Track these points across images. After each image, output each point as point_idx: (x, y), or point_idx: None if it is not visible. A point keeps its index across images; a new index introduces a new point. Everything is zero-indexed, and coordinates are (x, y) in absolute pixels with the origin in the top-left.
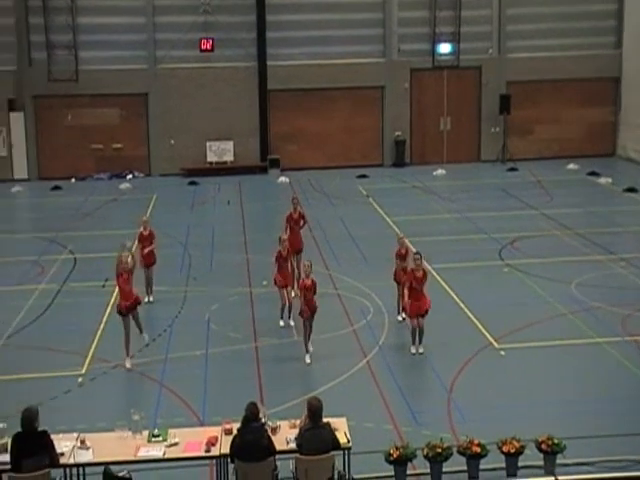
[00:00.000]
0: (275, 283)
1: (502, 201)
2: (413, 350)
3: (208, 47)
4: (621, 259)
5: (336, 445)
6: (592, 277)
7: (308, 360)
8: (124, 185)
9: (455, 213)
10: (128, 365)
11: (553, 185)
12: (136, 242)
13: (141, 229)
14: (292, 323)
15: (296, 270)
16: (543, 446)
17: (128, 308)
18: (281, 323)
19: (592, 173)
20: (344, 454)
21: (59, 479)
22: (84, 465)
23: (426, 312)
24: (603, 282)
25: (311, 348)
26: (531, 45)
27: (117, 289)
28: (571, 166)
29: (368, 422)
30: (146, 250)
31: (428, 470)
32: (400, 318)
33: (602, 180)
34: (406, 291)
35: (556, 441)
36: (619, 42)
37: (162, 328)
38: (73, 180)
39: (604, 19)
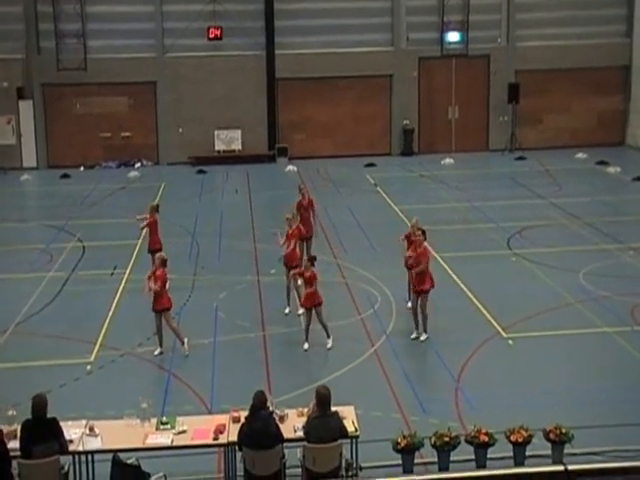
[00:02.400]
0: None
1: (510, 190)
2: (413, 335)
3: (216, 35)
4: (630, 248)
5: (344, 433)
6: (600, 266)
7: (306, 346)
8: (132, 173)
9: (463, 202)
10: (156, 352)
11: (562, 174)
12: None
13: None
14: (299, 312)
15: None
16: (551, 435)
17: (154, 308)
18: (286, 310)
19: (601, 162)
20: (352, 442)
21: (68, 466)
22: (93, 452)
23: (420, 292)
24: (611, 271)
25: (330, 343)
26: (540, 34)
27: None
28: (580, 155)
29: (376, 411)
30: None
31: (436, 459)
32: (409, 305)
33: (611, 169)
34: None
35: (564, 430)
36: (629, 30)
37: (170, 316)
38: (82, 168)
39: (614, 7)
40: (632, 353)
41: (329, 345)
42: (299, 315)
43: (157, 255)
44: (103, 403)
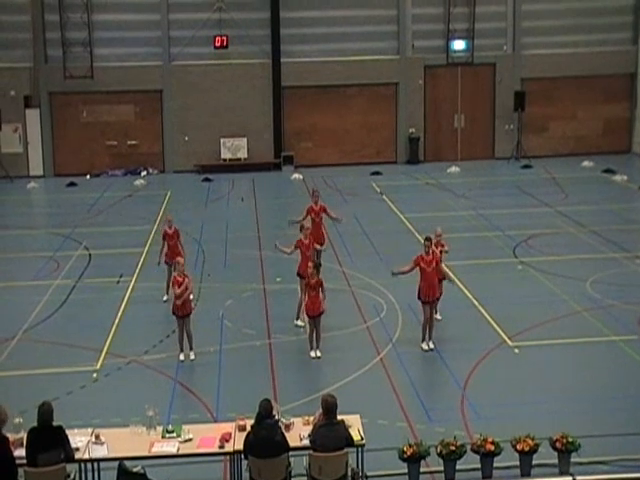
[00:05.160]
0: (298, 274)
1: (516, 198)
2: (424, 346)
3: (222, 44)
4: (637, 257)
5: (350, 442)
6: (607, 275)
7: (312, 354)
8: (138, 181)
9: (469, 210)
10: (182, 357)
11: (568, 182)
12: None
13: (165, 227)
14: (301, 323)
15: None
16: (558, 444)
17: (181, 312)
18: (298, 322)
19: (607, 170)
20: (358, 451)
21: (74, 474)
22: (99, 460)
23: (433, 301)
24: (618, 280)
25: (318, 353)
26: (546, 41)
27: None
28: (586, 163)
29: (382, 419)
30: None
31: (442, 468)
32: (439, 317)
33: (617, 177)
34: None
35: (571, 439)
36: (636, 38)
37: (176, 324)
38: (88, 176)
39: (620, 14)
40: (639, 362)
41: (319, 354)
42: (297, 326)
43: (180, 261)
44: (109, 411)
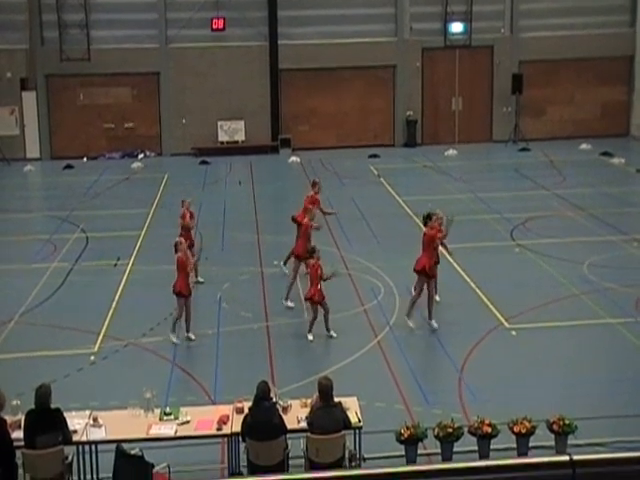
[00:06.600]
0: (297, 255)
1: (514, 181)
2: (411, 324)
3: (220, 26)
4: (634, 239)
5: (347, 424)
6: (605, 257)
7: (310, 337)
8: (136, 164)
9: (467, 193)
10: (174, 340)
11: (565, 165)
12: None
13: (184, 210)
14: (291, 304)
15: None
16: (554, 426)
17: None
18: (289, 304)
19: (605, 153)
20: (355, 433)
21: (72, 456)
22: (97, 442)
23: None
24: (616, 262)
25: (333, 333)
26: (544, 24)
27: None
28: (584, 146)
29: (379, 402)
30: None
31: (439, 450)
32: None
33: (615, 160)
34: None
35: (567, 421)
36: (633, 20)
37: (174, 307)
38: (85, 159)
39: None
40: (636, 344)
41: (334, 334)
42: (288, 307)
43: (181, 240)
44: (107, 393)
